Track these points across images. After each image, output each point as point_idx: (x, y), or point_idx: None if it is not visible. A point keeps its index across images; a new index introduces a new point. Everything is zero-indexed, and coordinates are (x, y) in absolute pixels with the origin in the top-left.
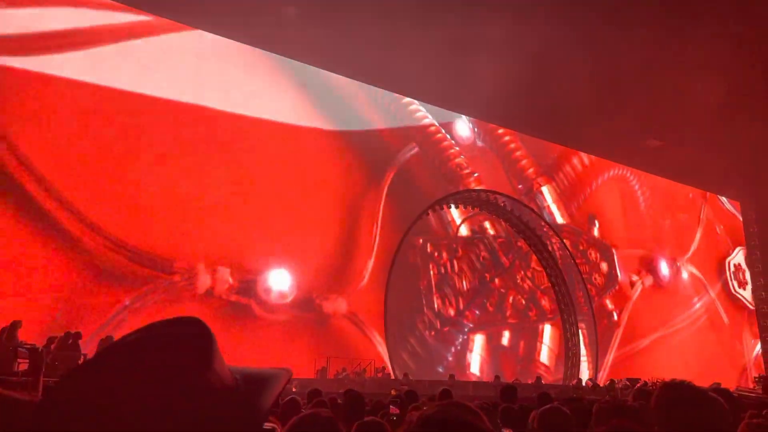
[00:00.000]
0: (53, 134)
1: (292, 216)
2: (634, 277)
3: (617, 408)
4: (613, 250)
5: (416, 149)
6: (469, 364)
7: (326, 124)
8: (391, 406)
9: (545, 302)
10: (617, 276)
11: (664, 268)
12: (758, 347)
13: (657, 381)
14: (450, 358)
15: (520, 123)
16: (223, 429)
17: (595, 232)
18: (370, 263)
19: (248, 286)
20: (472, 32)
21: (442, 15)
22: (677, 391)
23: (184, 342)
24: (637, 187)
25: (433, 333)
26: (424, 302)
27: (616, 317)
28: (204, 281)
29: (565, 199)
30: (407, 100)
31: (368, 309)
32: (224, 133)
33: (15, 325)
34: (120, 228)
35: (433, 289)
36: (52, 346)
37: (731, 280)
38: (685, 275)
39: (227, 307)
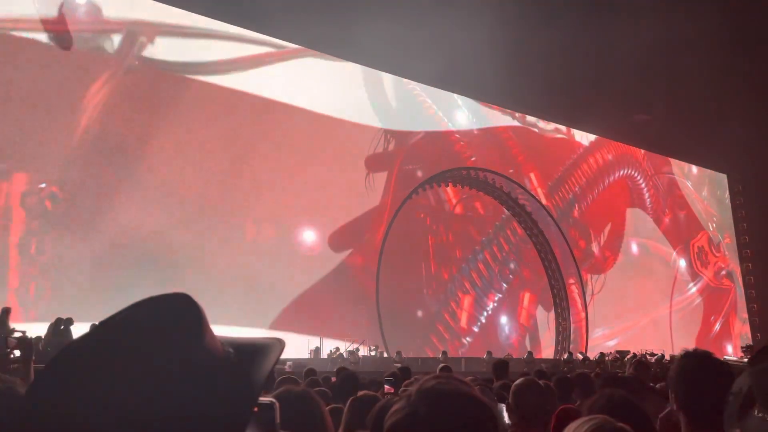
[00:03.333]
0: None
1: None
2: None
3: (609, 377)
4: (590, 231)
5: (423, 133)
6: (460, 318)
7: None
8: (385, 386)
9: (527, 273)
10: (594, 252)
11: (633, 248)
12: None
13: (645, 353)
14: (441, 312)
15: (510, 100)
16: (219, 404)
17: (576, 214)
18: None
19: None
20: (462, 6)
21: None
22: (698, 361)
23: (174, 318)
24: (644, 185)
25: (430, 292)
26: (423, 267)
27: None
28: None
29: (550, 182)
30: (417, 91)
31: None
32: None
33: (5, 312)
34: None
35: (430, 256)
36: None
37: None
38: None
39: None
